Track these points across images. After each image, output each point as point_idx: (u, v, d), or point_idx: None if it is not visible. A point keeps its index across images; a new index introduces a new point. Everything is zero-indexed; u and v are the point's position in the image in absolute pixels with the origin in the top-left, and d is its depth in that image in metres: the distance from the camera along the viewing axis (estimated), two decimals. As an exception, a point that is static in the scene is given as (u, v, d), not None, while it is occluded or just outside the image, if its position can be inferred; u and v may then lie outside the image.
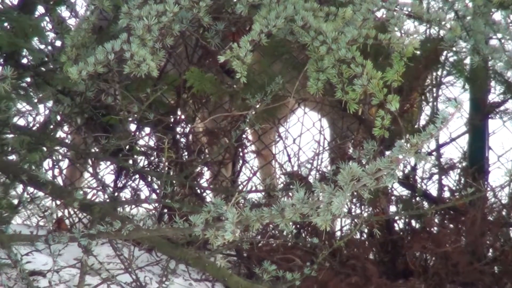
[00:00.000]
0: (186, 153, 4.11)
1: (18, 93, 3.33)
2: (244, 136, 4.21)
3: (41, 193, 3.42)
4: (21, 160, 3.32)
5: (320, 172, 4.18)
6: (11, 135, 3.36)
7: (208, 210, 2.74)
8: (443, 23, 2.91)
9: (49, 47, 3.43)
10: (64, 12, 3.61)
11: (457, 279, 4.01)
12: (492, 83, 4.25)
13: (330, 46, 2.80)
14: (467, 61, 4.05)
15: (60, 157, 3.54)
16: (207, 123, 4.19)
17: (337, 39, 2.80)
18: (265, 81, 3.47)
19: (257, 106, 3.33)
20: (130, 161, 3.87)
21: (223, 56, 2.81)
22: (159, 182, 3.73)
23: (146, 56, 2.79)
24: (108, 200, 3.67)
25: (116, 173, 4.17)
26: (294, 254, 3.89)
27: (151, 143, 4.16)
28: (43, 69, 3.41)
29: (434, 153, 4.30)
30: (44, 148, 3.40)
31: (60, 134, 3.69)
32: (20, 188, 3.38)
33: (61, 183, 3.98)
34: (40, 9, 3.62)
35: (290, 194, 3.41)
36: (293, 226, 3.95)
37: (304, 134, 4.37)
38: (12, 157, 3.36)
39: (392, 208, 4.16)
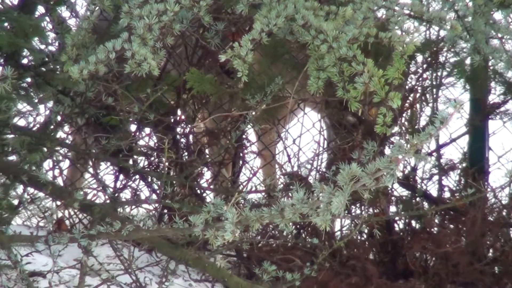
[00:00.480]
0: (186, 154, 4.11)
1: (18, 93, 3.33)
2: (244, 136, 4.21)
3: (41, 194, 3.42)
4: (21, 160, 3.31)
5: (320, 172, 4.18)
6: (12, 136, 3.36)
7: (208, 211, 2.74)
8: (443, 22, 2.90)
9: (50, 47, 3.43)
10: (64, 12, 3.61)
11: (458, 280, 4.01)
12: (493, 84, 4.25)
13: (331, 45, 2.80)
14: (467, 61, 4.05)
15: (60, 157, 3.55)
16: (207, 123, 4.19)
17: (338, 38, 2.80)
18: (265, 81, 3.47)
19: (257, 106, 3.33)
20: (131, 162, 3.87)
21: (224, 55, 2.81)
22: (159, 182, 3.72)
23: (147, 55, 2.79)
24: (108, 201, 3.67)
25: (116, 174, 4.17)
26: (294, 255, 3.88)
27: (152, 144, 4.15)
28: (43, 69, 3.41)
29: (434, 153, 4.30)
30: (45, 149, 3.40)
31: (60, 134, 3.69)
32: (20, 188, 3.38)
33: (62, 184, 3.97)
34: (40, 9, 3.62)
35: (290, 194, 3.41)
36: (293, 227, 3.95)
37: (304, 135, 4.37)
38: (13, 157, 3.36)
39: (392, 209, 4.16)
